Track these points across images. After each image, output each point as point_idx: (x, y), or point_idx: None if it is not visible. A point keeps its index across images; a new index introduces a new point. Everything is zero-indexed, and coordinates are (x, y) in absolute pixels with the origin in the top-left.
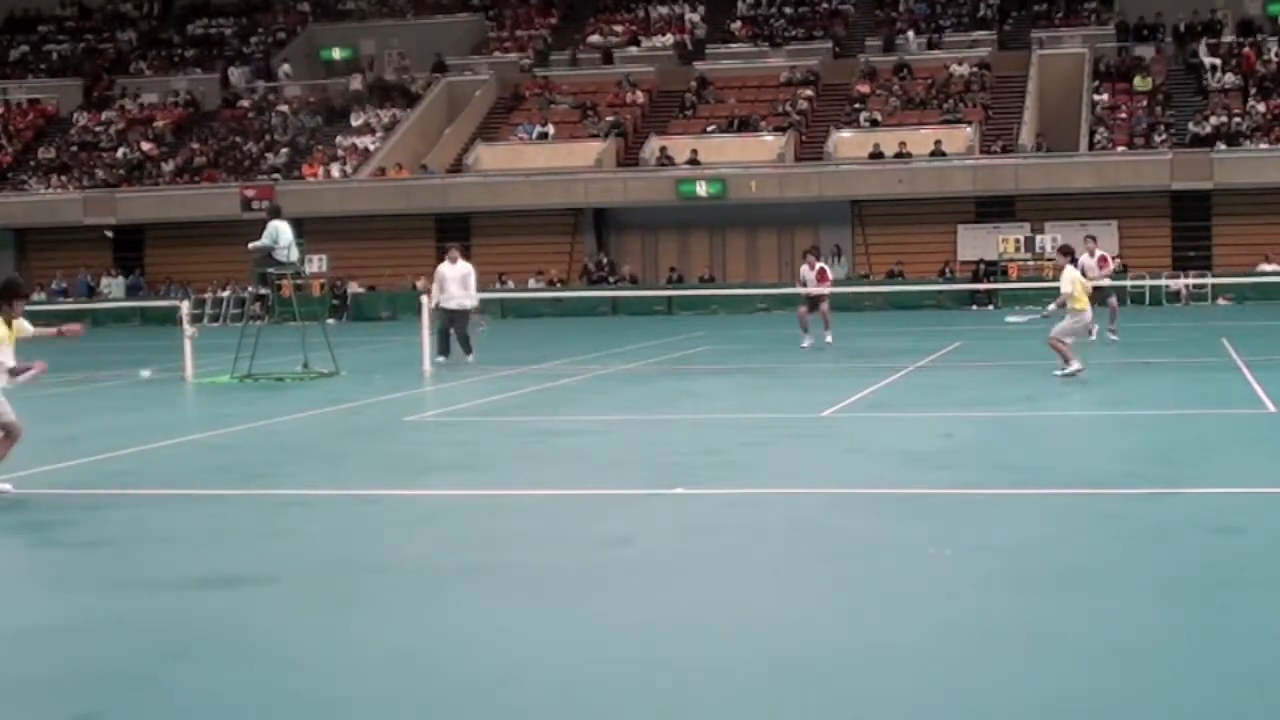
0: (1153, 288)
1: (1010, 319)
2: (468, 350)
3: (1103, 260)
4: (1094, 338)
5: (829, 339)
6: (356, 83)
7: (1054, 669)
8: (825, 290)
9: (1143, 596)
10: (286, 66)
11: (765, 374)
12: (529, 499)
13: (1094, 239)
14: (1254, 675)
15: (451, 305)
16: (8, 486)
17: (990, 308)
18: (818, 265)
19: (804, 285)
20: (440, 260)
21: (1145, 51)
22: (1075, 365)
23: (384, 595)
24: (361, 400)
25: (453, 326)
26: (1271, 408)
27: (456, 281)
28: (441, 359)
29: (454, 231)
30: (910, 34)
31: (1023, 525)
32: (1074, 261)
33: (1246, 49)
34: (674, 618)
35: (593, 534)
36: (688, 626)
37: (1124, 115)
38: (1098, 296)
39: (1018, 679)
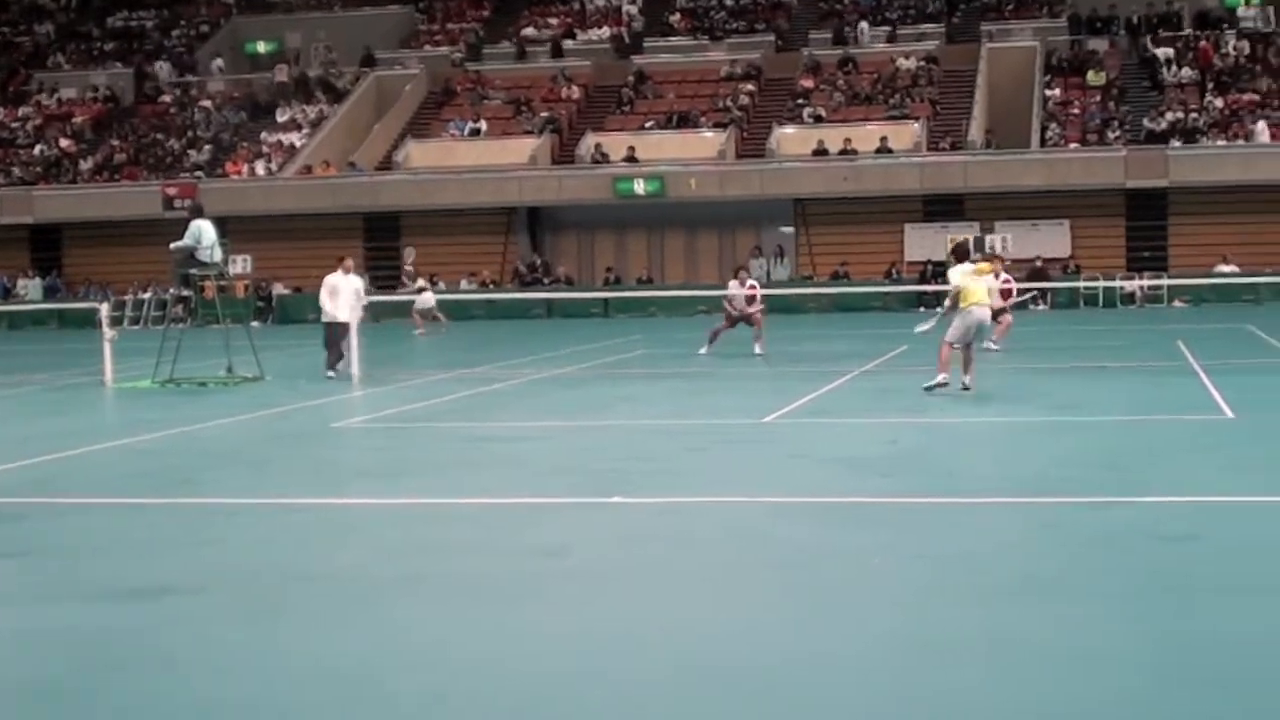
0: (1106, 289)
1: (919, 328)
2: (334, 367)
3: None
4: (996, 346)
5: (759, 350)
6: (282, 75)
7: (1008, 677)
8: (756, 310)
9: (1097, 604)
10: (220, 61)
11: (705, 378)
12: (462, 507)
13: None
14: (1219, 680)
15: (343, 317)
16: None
17: (939, 310)
18: (749, 282)
19: (730, 303)
20: (338, 266)
21: (1099, 45)
22: (942, 377)
23: (315, 605)
24: (288, 406)
25: (338, 338)
26: (1229, 413)
27: (352, 293)
28: (332, 374)
29: (383, 231)
30: (864, 25)
31: (970, 534)
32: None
33: (1204, 42)
34: (612, 628)
35: (528, 543)
36: (626, 637)
37: (1076, 111)
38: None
39: (970, 689)
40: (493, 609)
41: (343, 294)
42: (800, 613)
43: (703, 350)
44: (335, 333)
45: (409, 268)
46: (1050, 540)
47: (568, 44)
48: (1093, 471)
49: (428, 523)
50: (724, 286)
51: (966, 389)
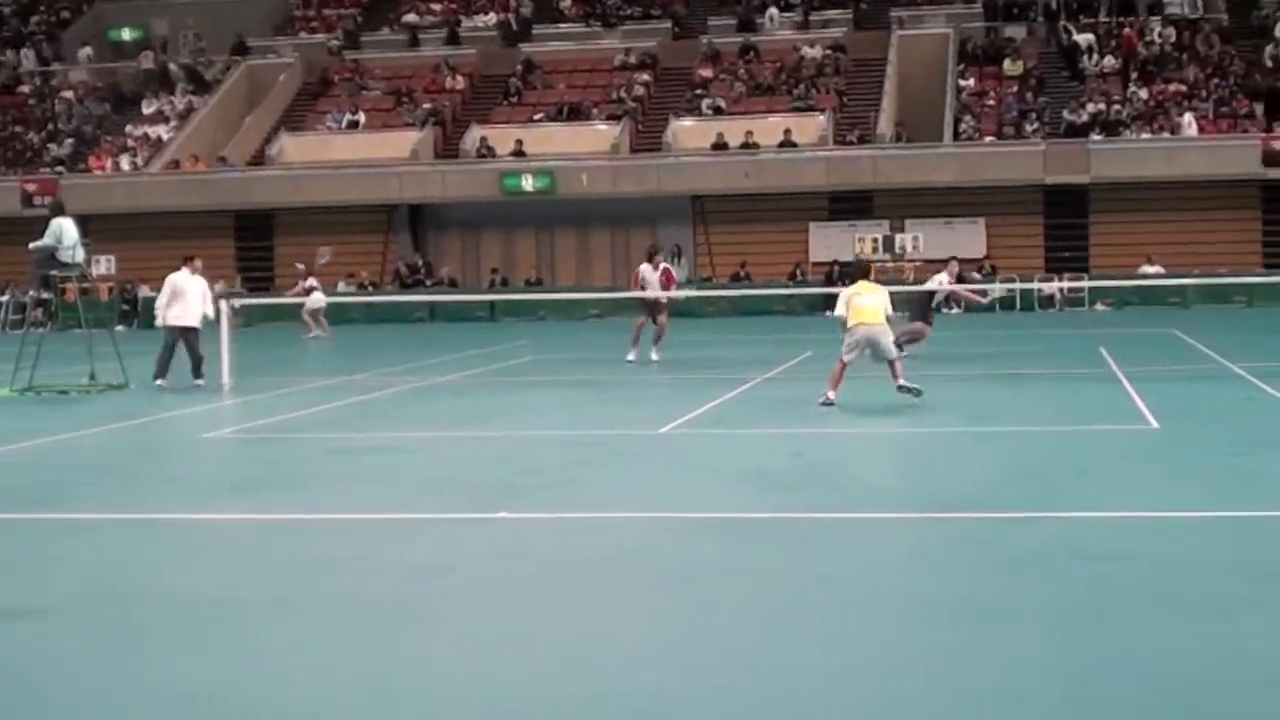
0: (1024, 292)
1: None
2: (199, 374)
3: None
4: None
5: (655, 355)
6: (148, 64)
7: (923, 709)
8: (670, 295)
9: (1019, 629)
10: (88, 49)
11: (597, 386)
12: (338, 523)
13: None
14: (1150, 710)
15: (188, 321)
16: None
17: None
18: (662, 265)
19: (643, 288)
20: (177, 267)
21: (1015, 32)
22: (830, 395)
23: (178, 628)
24: (154, 415)
25: (186, 344)
26: (1154, 423)
27: (199, 295)
28: (161, 383)
29: (255, 229)
30: (773, 11)
31: (881, 552)
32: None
33: (1127, 30)
34: (499, 654)
35: (408, 562)
36: (514, 663)
37: (992, 102)
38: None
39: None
40: (369, 632)
41: (190, 296)
42: (699, 637)
43: (630, 357)
44: (179, 338)
45: (302, 265)
46: (968, 559)
47: (452, 31)
48: (1012, 485)
49: (301, 539)
50: (618, 288)
51: (908, 390)
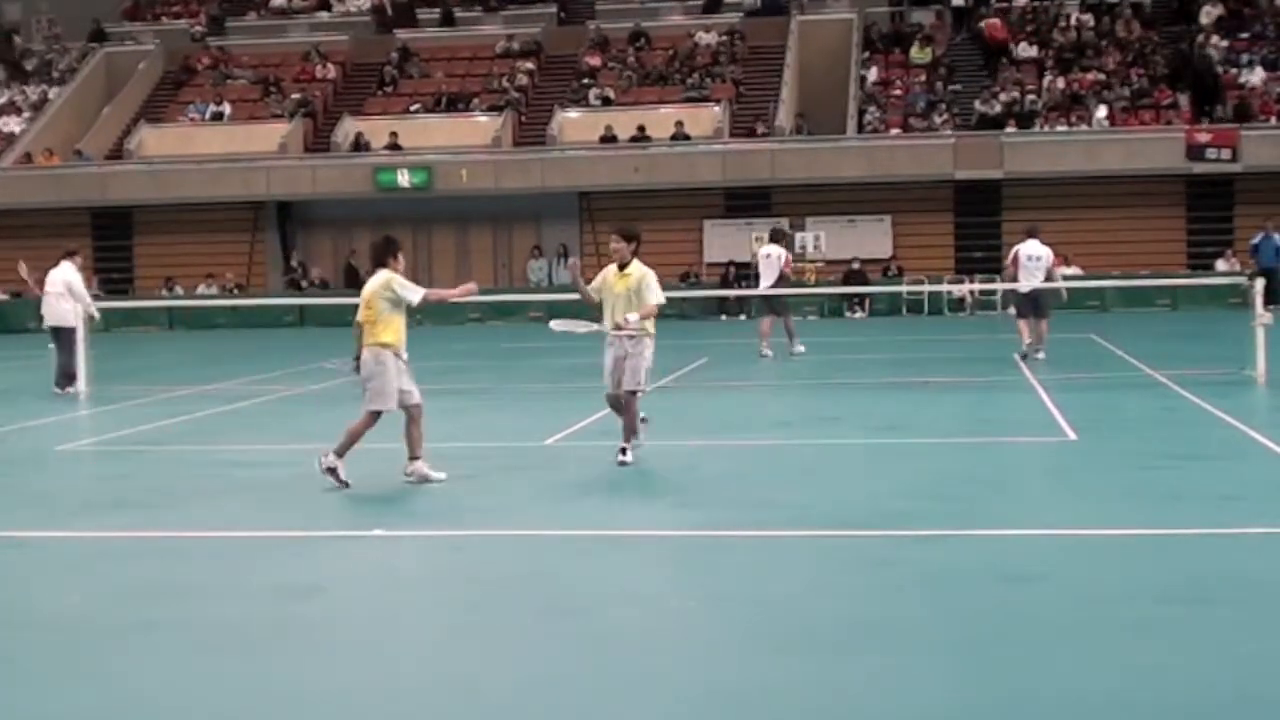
0: (933, 294)
1: (569, 327)
2: (69, 381)
3: None
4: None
5: (800, 347)
6: None
7: None
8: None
9: (931, 655)
10: None
11: (477, 395)
12: (202, 541)
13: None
14: None
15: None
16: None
17: (742, 318)
18: (780, 251)
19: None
20: (67, 258)
21: (924, 17)
22: (640, 438)
23: (30, 657)
24: (4, 426)
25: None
26: (1071, 434)
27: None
28: (73, 390)
29: (113, 228)
30: None
31: (783, 572)
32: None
33: (984, 22)
34: (373, 681)
35: (275, 582)
36: (391, 693)
37: (899, 92)
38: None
39: None
40: (236, 661)
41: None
42: (586, 666)
43: (799, 348)
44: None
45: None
46: (870, 580)
47: (322, 16)
48: (921, 501)
49: (162, 560)
50: (501, 289)
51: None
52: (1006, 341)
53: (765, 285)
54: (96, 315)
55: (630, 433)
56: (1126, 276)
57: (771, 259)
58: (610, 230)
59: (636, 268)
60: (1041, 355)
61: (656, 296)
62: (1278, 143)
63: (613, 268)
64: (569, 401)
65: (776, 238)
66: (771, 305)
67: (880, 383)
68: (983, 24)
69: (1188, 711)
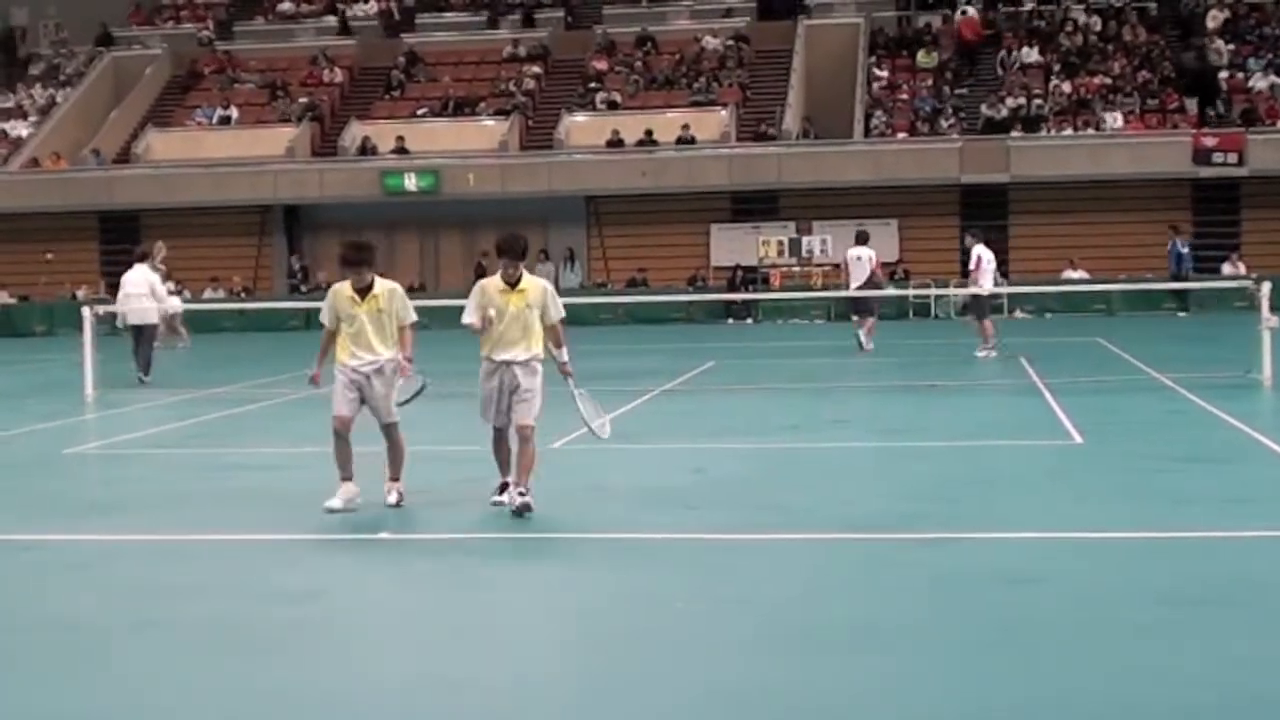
0: (939, 298)
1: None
2: (148, 370)
3: None
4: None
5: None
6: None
7: None
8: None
9: (936, 658)
10: None
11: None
12: (207, 544)
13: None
14: None
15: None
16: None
17: (749, 321)
18: (870, 253)
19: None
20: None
21: (930, 20)
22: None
23: (37, 657)
24: (13, 429)
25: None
26: (1078, 438)
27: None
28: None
29: (121, 232)
30: None
31: (787, 575)
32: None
33: (958, 15)
34: (377, 685)
35: (280, 586)
36: (395, 695)
37: (906, 96)
38: None
39: None
40: (240, 662)
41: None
42: (596, 668)
43: (869, 346)
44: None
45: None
46: (881, 583)
47: (330, 20)
48: (927, 504)
49: (168, 562)
50: None
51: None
52: (1013, 345)
53: (855, 286)
54: (179, 311)
55: (527, 472)
56: (1132, 280)
57: (862, 261)
58: (497, 241)
59: (532, 281)
60: (982, 354)
61: (561, 310)
62: None
63: (494, 282)
64: (576, 406)
65: (864, 240)
66: (858, 305)
67: (885, 386)
68: (957, 22)
69: (1193, 714)
